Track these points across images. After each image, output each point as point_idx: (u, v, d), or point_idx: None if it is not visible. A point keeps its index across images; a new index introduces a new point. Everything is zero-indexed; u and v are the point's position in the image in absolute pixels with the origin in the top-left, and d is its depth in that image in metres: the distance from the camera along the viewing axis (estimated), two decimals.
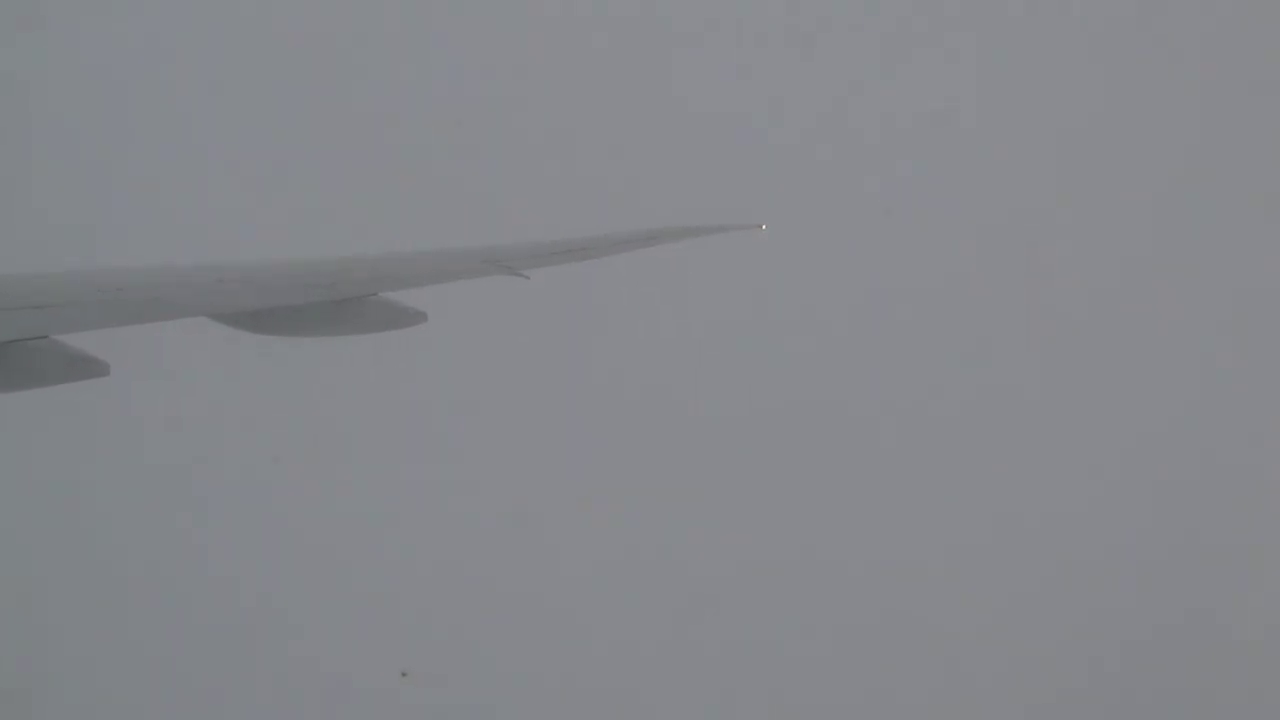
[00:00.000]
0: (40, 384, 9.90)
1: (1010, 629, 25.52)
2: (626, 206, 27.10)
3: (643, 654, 24.54)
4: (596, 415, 27.70)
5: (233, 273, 12.54)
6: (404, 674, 24.03)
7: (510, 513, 26.20)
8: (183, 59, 31.38)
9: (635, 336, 28.63)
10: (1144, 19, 32.80)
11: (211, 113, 30.93)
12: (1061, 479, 27.83)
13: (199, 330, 11.32)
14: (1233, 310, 30.16)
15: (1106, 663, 25.23)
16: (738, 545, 26.25)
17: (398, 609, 24.69)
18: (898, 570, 26.28)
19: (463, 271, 13.63)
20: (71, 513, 24.87)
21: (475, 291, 13.61)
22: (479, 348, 26.56)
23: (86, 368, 10.10)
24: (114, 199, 29.23)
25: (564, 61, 32.14)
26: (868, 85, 32.83)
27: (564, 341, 28.02)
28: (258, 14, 32.01)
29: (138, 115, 30.65)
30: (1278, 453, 28.24)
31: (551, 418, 27.59)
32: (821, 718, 24.12)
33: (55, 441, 24.34)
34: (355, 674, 23.96)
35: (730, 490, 27.07)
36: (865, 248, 30.62)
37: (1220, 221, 31.14)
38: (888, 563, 26.32)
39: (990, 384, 29.06)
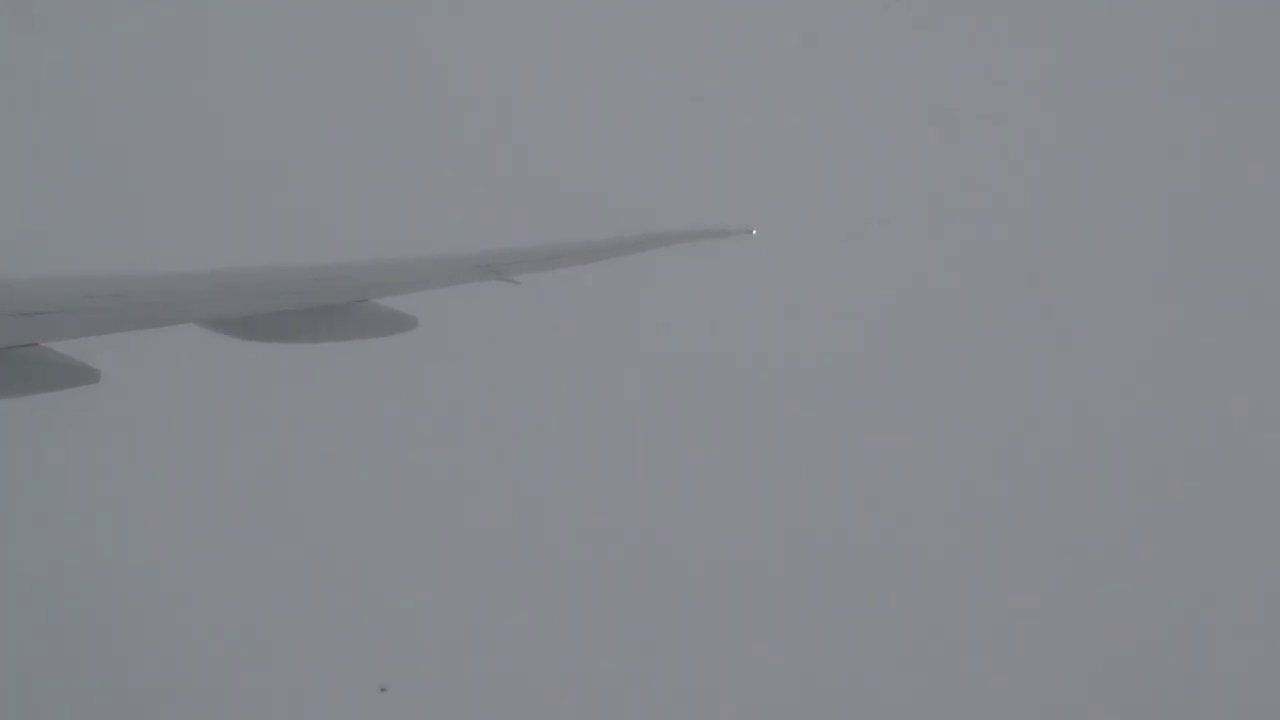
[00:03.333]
0: (30, 391, 9.86)
1: (1009, 636, 25.55)
2: (618, 212, 27.07)
3: (627, 669, 24.50)
4: (588, 420, 27.68)
5: (223, 279, 12.51)
6: (383, 689, 23.98)
7: (497, 523, 26.16)
8: (175, 65, 31.36)
9: (626, 341, 28.63)
10: (1146, 24, 32.80)
11: (203, 119, 30.90)
12: (1055, 483, 27.84)
13: (189, 337, 11.29)
14: (1234, 326, 30.12)
15: (1107, 666, 25.28)
16: (732, 549, 26.24)
17: (378, 622, 24.63)
18: (893, 571, 26.29)
19: (454, 277, 13.62)
20: (61, 520, 24.81)
21: (467, 297, 13.60)
22: (470, 353, 26.53)
23: (76, 375, 10.06)
24: (105, 205, 29.18)
25: (556, 68, 32.15)
26: (861, 90, 32.85)
27: (555, 347, 28.00)
28: (250, 20, 31.98)
29: (129, 122, 30.63)
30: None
31: (543, 423, 27.56)
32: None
33: (45, 449, 24.28)
34: (335, 688, 23.91)
35: (724, 494, 27.06)
36: (855, 252, 30.64)
37: (1226, 231, 31.07)
38: (882, 563, 26.33)
39: (985, 388, 29.07)
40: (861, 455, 27.76)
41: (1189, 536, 27.00)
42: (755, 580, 25.92)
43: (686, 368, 28.63)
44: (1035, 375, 29.39)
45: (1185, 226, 31.09)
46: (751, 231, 18.59)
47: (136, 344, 10.50)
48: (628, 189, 29.84)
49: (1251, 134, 31.65)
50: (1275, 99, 32.11)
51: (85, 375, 10.11)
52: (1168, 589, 26.20)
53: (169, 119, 30.72)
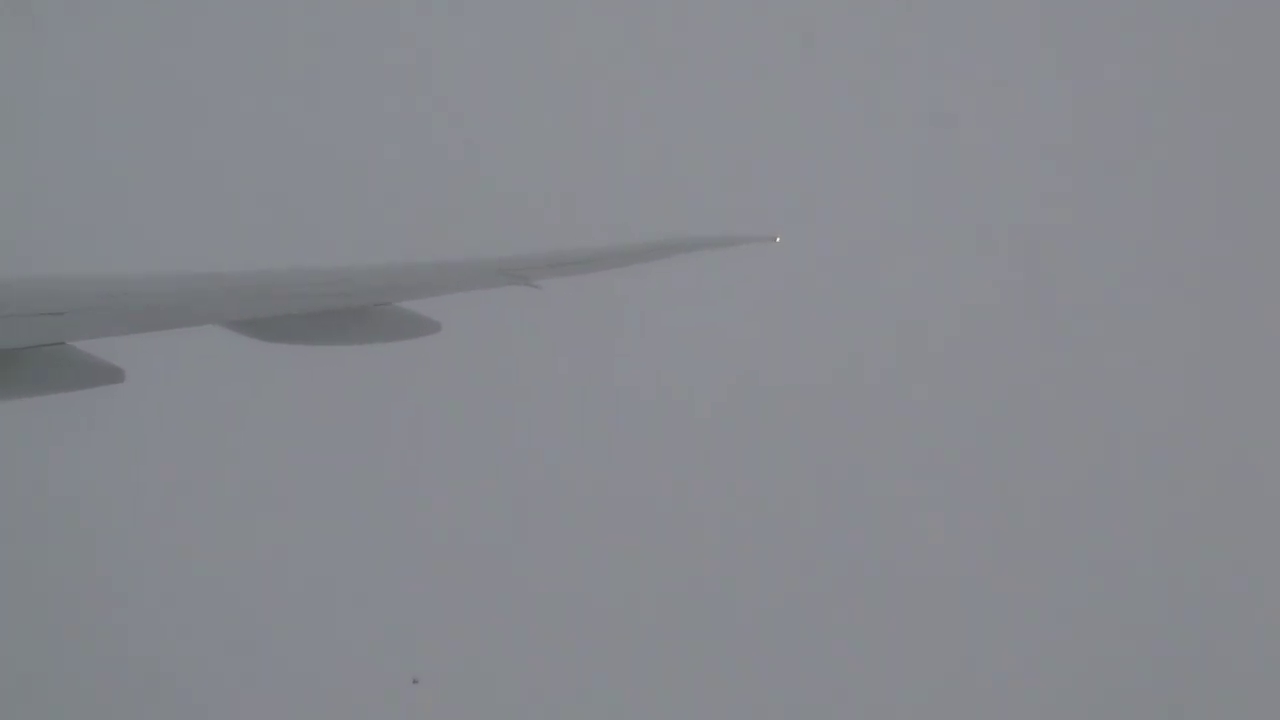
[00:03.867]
0: (55, 390, 9.93)
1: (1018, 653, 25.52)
2: (640, 218, 27.10)
3: (654, 663, 24.56)
4: (608, 426, 27.71)
5: (247, 280, 12.60)
6: (415, 680, 24.09)
7: (522, 521, 26.24)
8: (197, 63, 31.46)
9: (648, 348, 28.64)
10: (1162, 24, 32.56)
11: (227, 119, 31.00)
12: (1075, 493, 27.76)
13: (213, 338, 11.37)
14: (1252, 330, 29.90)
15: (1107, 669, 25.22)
16: (750, 558, 26.26)
17: (409, 615, 24.73)
18: (909, 584, 26.26)
19: (476, 281, 13.70)
20: (85, 519, 24.94)
21: (488, 301, 13.67)
22: (492, 358, 26.60)
23: (101, 374, 10.13)
24: (129, 205, 29.31)
25: (577, 71, 32.17)
26: (885, 93, 32.73)
27: (576, 352, 28.04)
28: (272, 18, 32.07)
29: (155, 122, 30.74)
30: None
31: (564, 428, 27.62)
32: None
33: (70, 448, 24.42)
34: (366, 680, 24.01)
35: (742, 503, 27.07)
36: (881, 261, 30.52)
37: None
38: (897, 575, 26.30)
39: (1007, 399, 28.96)
40: (888, 468, 27.72)
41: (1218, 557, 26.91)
42: (777, 584, 25.93)
43: (708, 375, 28.63)
44: (1068, 386, 29.22)
45: (1223, 240, 30.75)
46: (775, 239, 18.56)
47: (161, 344, 10.58)
48: (651, 194, 29.84)
49: (1261, 134, 31.36)
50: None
51: (110, 374, 10.18)
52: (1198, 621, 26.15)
53: (190, 121, 30.82)
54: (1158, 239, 30.71)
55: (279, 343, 11.88)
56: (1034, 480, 27.87)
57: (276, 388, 24.60)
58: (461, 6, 32.79)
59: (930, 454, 28.07)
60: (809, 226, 29.31)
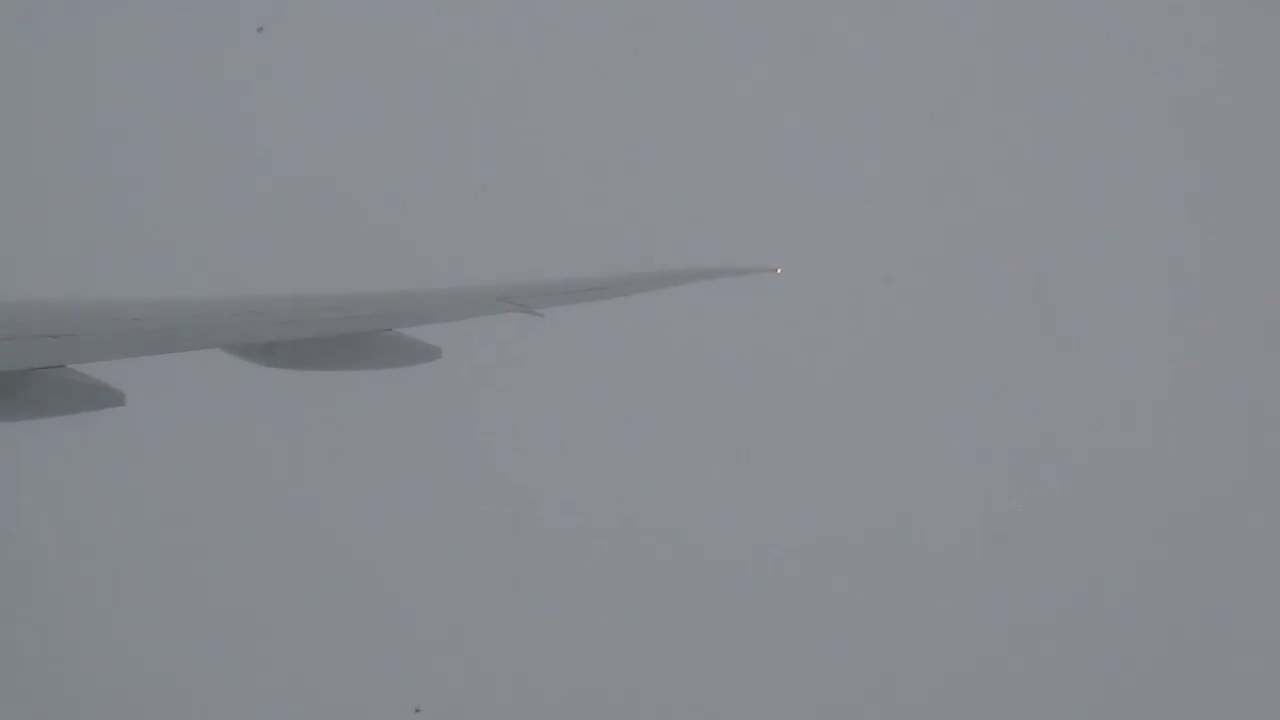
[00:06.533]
0: (55, 413, 9.97)
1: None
2: (642, 247, 27.15)
3: (657, 692, 24.57)
4: (608, 454, 27.73)
5: (248, 305, 12.64)
6: (418, 709, 24.09)
7: (524, 550, 26.25)
8: (198, 88, 31.58)
9: (648, 377, 28.67)
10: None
11: (229, 146, 31.10)
12: (1082, 520, 27.75)
13: (213, 362, 11.40)
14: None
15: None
16: (749, 583, 26.29)
17: (412, 644, 24.73)
18: (912, 608, 26.27)
19: (477, 309, 13.73)
20: (84, 542, 24.94)
21: (489, 329, 13.70)
22: (492, 385, 26.64)
23: (101, 397, 10.17)
24: (129, 229, 29.38)
25: (581, 101, 32.28)
26: (890, 123, 32.71)
27: (577, 381, 28.07)
28: (269, 40, 32.17)
29: (155, 147, 30.83)
30: None
31: (564, 456, 27.64)
32: None
33: (70, 470, 24.44)
34: (369, 709, 24.00)
35: (743, 530, 27.09)
36: (883, 293, 30.51)
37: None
38: (900, 597, 26.31)
39: (1013, 422, 28.92)
40: (893, 496, 27.74)
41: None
42: (779, 610, 25.96)
43: (707, 404, 28.67)
44: (1077, 413, 29.14)
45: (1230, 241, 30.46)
46: (776, 270, 18.59)
47: (160, 368, 10.62)
48: (654, 224, 29.90)
49: (1265, 137, 31.19)
50: None
51: (111, 397, 10.22)
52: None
53: (191, 147, 30.92)
54: (1168, 258, 30.49)
55: (279, 368, 11.93)
56: (1043, 504, 27.87)
57: (277, 412, 24.62)
58: (463, 32, 32.91)
59: (935, 482, 28.08)
60: (811, 257, 29.34)
